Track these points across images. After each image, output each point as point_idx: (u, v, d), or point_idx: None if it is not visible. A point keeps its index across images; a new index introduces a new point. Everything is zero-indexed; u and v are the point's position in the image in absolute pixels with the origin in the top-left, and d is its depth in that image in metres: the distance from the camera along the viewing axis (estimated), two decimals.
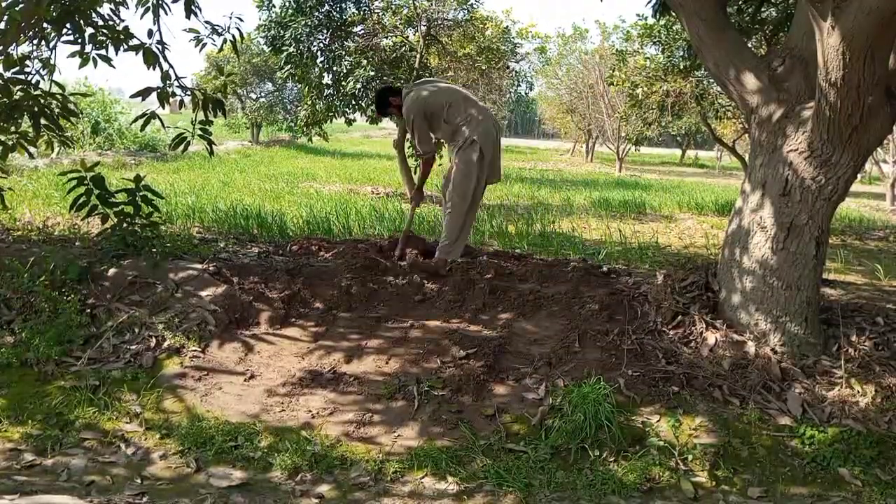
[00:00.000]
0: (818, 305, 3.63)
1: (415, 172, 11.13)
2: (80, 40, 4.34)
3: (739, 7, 6.20)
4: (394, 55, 10.38)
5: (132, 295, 3.84)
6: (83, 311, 3.69)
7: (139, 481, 2.60)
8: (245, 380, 3.33)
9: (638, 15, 18.73)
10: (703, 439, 2.93)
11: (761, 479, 2.78)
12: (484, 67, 13.67)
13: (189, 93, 4.82)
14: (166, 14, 4.64)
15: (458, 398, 3.18)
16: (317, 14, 9.57)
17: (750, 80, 3.59)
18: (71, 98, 4.53)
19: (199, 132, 4.72)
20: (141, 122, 4.58)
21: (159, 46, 4.62)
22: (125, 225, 4.38)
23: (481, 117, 4.64)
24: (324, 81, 10.44)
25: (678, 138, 32.31)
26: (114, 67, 4.77)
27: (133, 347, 3.51)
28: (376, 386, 3.28)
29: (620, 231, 7.67)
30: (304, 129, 11.67)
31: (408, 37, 11.12)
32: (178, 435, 2.88)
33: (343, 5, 10.01)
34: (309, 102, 10.82)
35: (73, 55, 4.39)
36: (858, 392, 3.23)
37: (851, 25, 2.75)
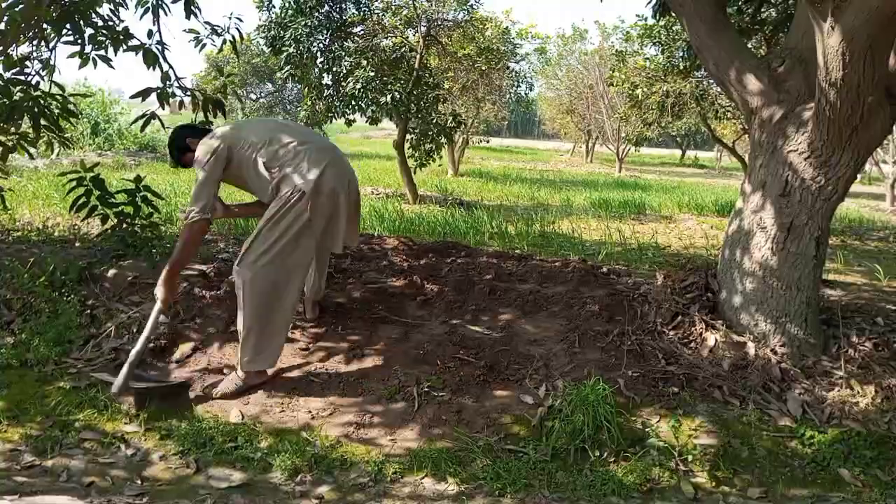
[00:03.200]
0: (818, 306, 3.63)
1: (415, 173, 11.18)
2: (79, 41, 4.34)
3: (739, 7, 6.20)
4: (394, 56, 10.38)
5: (132, 295, 3.84)
6: (83, 312, 3.69)
7: (139, 482, 2.60)
8: None
9: (638, 15, 18.73)
10: (702, 440, 2.93)
11: (761, 479, 2.78)
12: (484, 68, 13.70)
13: (189, 93, 4.82)
14: (166, 14, 4.65)
15: (458, 399, 3.18)
16: (317, 15, 9.58)
17: (750, 81, 3.59)
18: (71, 99, 4.53)
19: None
20: (141, 122, 4.58)
21: (159, 47, 4.62)
22: (125, 225, 4.38)
23: (324, 160, 3.20)
24: (323, 82, 10.45)
25: (678, 139, 32.34)
26: (113, 68, 4.78)
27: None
28: (376, 387, 3.28)
29: (620, 231, 7.67)
30: None
31: (408, 37, 11.13)
32: (178, 436, 2.88)
33: (343, 6, 10.02)
34: (309, 103, 10.83)
35: (72, 56, 4.39)
36: (858, 393, 3.23)
37: (851, 25, 2.75)
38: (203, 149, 3.19)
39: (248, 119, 3.76)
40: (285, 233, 3.13)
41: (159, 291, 3.17)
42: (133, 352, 3.13)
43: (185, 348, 3.54)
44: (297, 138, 3.24)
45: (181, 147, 3.38)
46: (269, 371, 3.32)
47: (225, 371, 3.38)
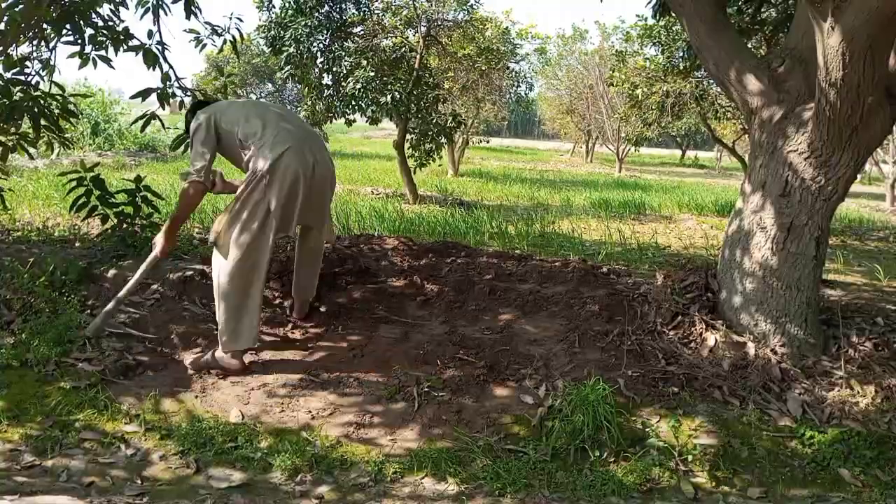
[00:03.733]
0: (818, 306, 3.63)
1: (415, 173, 11.18)
2: (79, 41, 4.35)
3: (739, 8, 6.20)
4: (394, 56, 10.39)
5: (132, 295, 3.83)
6: (83, 312, 3.69)
7: (139, 482, 2.60)
8: (245, 380, 3.33)
9: (637, 16, 18.74)
10: (702, 440, 2.93)
11: (761, 479, 2.78)
12: (484, 68, 13.71)
13: (189, 93, 4.82)
14: (166, 15, 4.66)
15: (458, 399, 3.18)
16: (317, 15, 9.58)
17: (750, 81, 3.59)
18: (71, 99, 4.53)
19: None
20: (141, 122, 4.59)
21: (159, 47, 4.63)
22: (125, 225, 4.38)
23: (289, 141, 3.27)
24: (323, 82, 10.46)
25: (678, 139, 32.33)
26: (113, 68, 4.78)
27: (133, 347, 3.51)
28: (376, 387, 3.28)
29: (620, 232, 7.67)
30: None
31: (408, 37, 11.13)
32: (178, 436, 2.87)
33: (343, 6, 10.02)
34: (309, 103, 10.83)
35: (72, 56, 4.39)
36: (858, 393, 3.23)
37: (851, 25, 2.75)
38: (195, 120, 3.42)
39: (238, 100, 3.92)
40: (250, 215, 3.25)
41: (159, 241, 3.44)
42: (119, 295, 3.43)
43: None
44: (269, 120, 3.36)
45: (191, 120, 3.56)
46: (246, 360, 3.41)
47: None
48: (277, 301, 4.00)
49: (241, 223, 3.25)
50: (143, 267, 3.47)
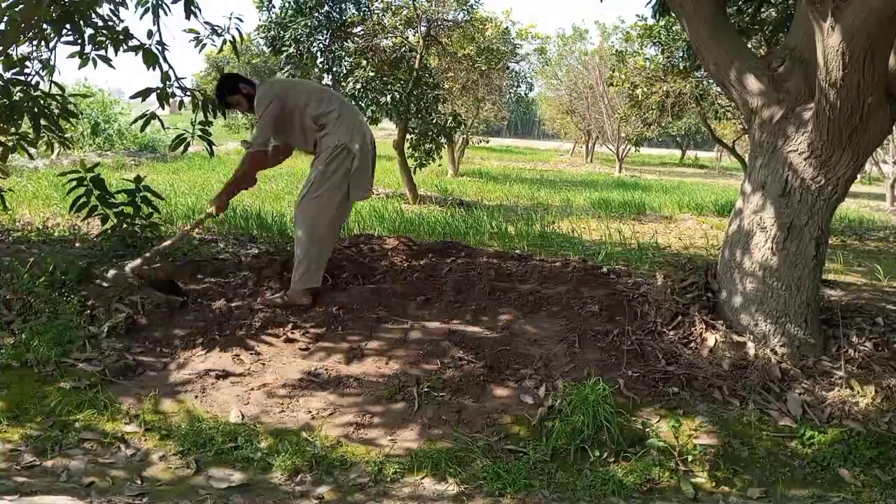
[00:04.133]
0: (818, 306, 3.63)
1: (415, 173, 11.17)
2: (79, 41, 4.35)
3: (739, 7, 6.20)
4: (394, 56, 10.39)
5: (132, 296, 3.83)
6: (83, 312, 3.69)
7: (139, 482, 2.60)
8: (245, 381, 3.33)
9: (637, 15, 18.75)
10: (703, 440, 2.92)
11: (761, 479, 2.78)
12: (484, 68, 13.71)
13: (189, 93, 4.82)
14: (166, 15, 4.66)
15: (458, 399, 3.18)
16: (316, 15, 9.58)
17: (750, 81, 3.59)
18: (71, 99, 4.53)
19: (199, 133, 4.73)
20: (141, 122, 4.58)
21: (159, 47, 4.63)
22: (125, 225, 4.38)
23: (354, 121, 3.97)
24: (323, 82, 10.45)
25: (678, 139, 32.31)
26: (113, 68, 4.78)
27: (133, 347, 3.51)
28: (376, 387, 3.28)
29: (620, 232, 7.67)
30: None
31: (408, 38, 11.13)
32: (178, 436, 2.87)
33: (343, 6, 10.02)
34: None
35: (72, 56, 4.39)
36: (858, 393, 3.23)
37: (851, 25, 2.75)
38: (261, 98, 3.80)
39: (296, 79, 4.47)
40: (332, 178, 3.85)
41: (215, 200, 3.94)
42: (165, 244, 3.90)
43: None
44: (335, 103, 3.94)
45: (232, 90, 3.95)
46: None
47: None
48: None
49: (328, 186, 3.84)
50: (192, 223, 3.94)
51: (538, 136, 48.32)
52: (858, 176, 4.06)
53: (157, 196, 4.60)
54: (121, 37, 4.50)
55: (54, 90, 4.42)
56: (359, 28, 10.58)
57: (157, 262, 3.81)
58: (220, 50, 5.17)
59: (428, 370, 3.38)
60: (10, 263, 3.95)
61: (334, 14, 9.89)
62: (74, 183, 4.32)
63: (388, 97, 9.60)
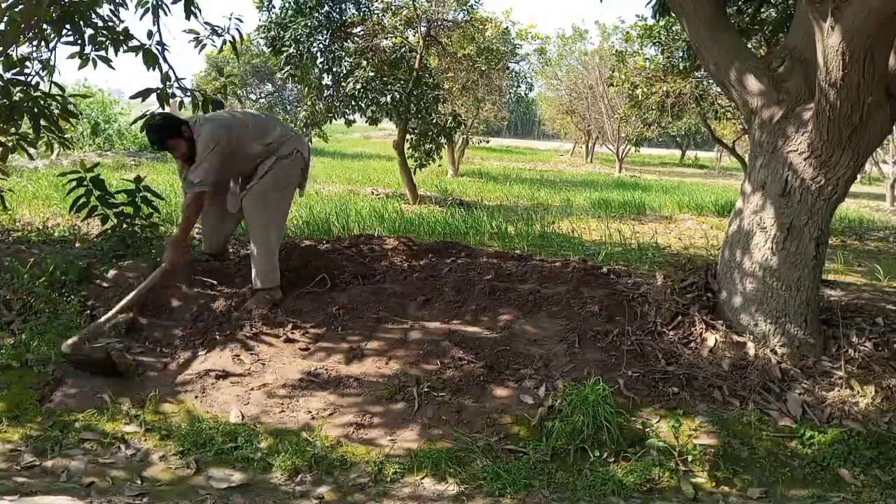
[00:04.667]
0: (818, 306, 3.63)
1: (415, 173, 11.17)
2: (79, 41, 4.35)
3: (739, 8, 6.20)
4: (393, 56, 10.38)
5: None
6: (83, 312, 3.68)
7: (139, 482, 2.60)
8: (245, 381, 3.33)
9: (637, 16, 18.75)
10: (702, 440, 2.93)
11: (761, 479, 2.78)
12: (484, 68, 13.70)
13: (189, 94, 4.82)
14: (166, 15, 4.65)
15: (458, 399, 3.18)
16: (316, 15, 9.57)
17: (750, 81, 3.59)
18: (70, 99, 4.53)
19: None
20: (141, 122, 4.57)
21: (159, 47, 4.62)
22: (125, 226, 4.38)
23: (297, 134, 4.32)
24: (323, 82, 10.45)
25: (678, 139, 32.30)
26: (113, 69, 4.78)
27: (133, 347, 3.51)
28: (376, 387, 3.28)
29: (620, 232, 7.67)
30: (304, 130, 11.71)
31: (407, 38, 11.13)
32: (178, 436, 2.88)
33: (343, 6, 10.01)
34: (309, 103, 10.83)
35: (72, 56, 4.39)
36: (858, 393, 3.23)
37: (851, 25, 2.75)
38: (208, 139, 3.75)
39: (234, 113, 4.31)
40: (286, 187, 4.06)
41: (169, 255, 3.74)
42: (105, 317, 3.49)
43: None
44: (277, 125, 4.18)
45: (175, 133, 3.79)
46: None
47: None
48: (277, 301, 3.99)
49: (280, 192, 4.01)
50: (147, 281, 3.63)
51: (538, 137, 48.30)
52: (858, 176, 4.06)
53: (157, 196, 4.60)
54: (121, 37, 4.50)
55: (54, 90, 4.42)
56: (359, 28, 10.57)
57: (98, 339, 3.38)
58: (220, 50, 5.17)
59: (428, 370, 3.38)
60: (10, 263, 3.95)
61: (334, 14, 9.88)
62: (74, 183, 4.32)
63: (388, 97, 9.59)
